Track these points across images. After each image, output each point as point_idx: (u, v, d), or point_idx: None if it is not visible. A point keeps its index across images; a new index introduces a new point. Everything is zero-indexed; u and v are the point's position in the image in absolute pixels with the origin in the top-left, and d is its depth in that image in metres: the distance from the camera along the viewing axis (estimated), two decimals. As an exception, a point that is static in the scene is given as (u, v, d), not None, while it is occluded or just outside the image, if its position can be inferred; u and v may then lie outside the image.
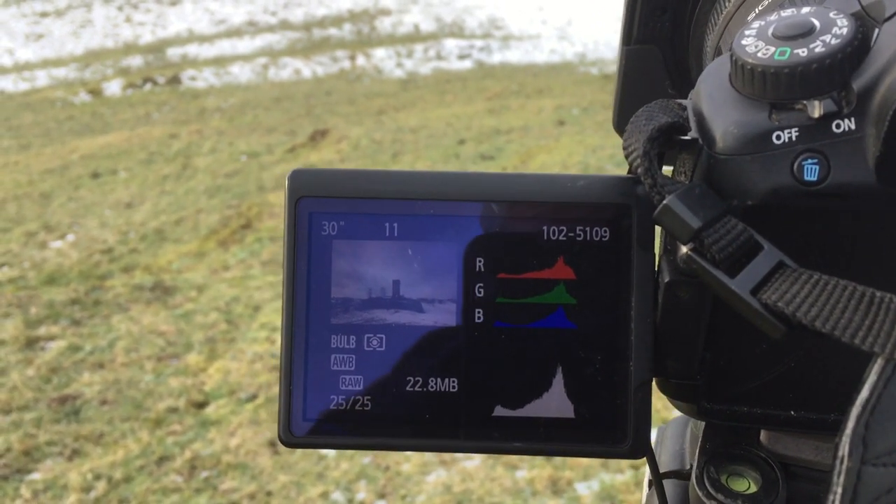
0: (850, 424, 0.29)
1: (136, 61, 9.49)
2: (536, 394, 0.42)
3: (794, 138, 0.35)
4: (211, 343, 3.18)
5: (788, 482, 0.45)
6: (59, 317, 3.43)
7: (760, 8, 0.49)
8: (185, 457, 2.52)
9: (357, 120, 6.54)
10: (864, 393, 0.29)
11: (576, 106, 6.58)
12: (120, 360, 3.08)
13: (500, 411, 0.42)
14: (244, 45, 9.98)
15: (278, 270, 3.77)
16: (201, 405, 2.80)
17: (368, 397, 0.42)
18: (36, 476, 2.47)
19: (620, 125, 0.66)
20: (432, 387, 0.42)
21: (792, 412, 0.43)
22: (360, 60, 9.13)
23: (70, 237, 4.33)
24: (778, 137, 0.35)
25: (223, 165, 5.50)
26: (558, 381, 0.42)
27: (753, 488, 0.45)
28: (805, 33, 0.36)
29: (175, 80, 8.43)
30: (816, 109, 0.34)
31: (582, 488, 2.30)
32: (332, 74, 8.69)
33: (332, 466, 2.44)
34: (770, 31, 0.37)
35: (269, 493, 2.36)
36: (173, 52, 9.78)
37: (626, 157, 0.39)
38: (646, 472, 0.60)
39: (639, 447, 0.42)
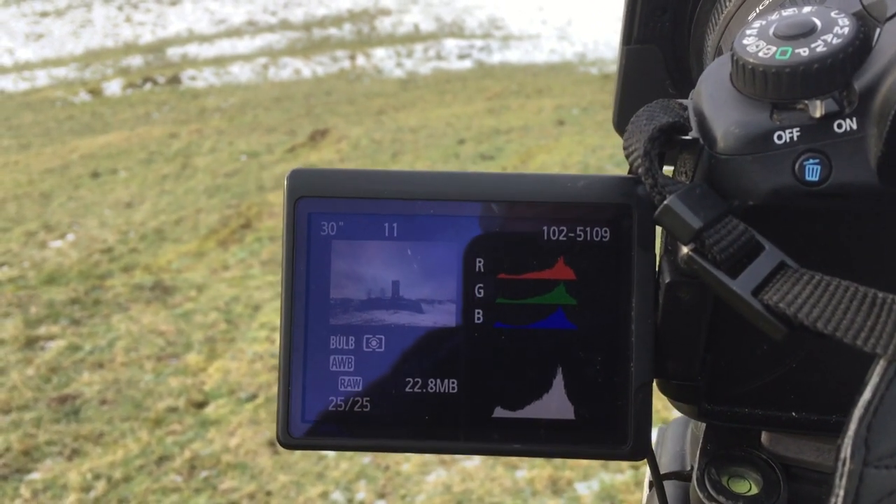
0: (853, 426, 0.29)
1: (136, 61, 9.49)
2: (536, 395, 0.42)
3: (795, 138, 0.34)
4: (210, 343, 3.18)
5: (790, 484, 0.45)
6: (58, 316, 3.43)
7: (761, 7, 0.49)
8: (185, 456, 2.52)
9: (357, 120, 6.54)
10: (867, 395, 0.29)
11: (576, 106, 6.58)
12: (119, 359, 3.08)
13: (499, 412, 0.42)
14: (244, 44, 9.98)
15: (278, 270, 3.77)
16: (201, 405, 2.80)
17: (367, 398, 0.42)
18: (35, 476, 2.47)
19: (620, 125, 0.65)
20: (432, 388, 0.42)
21: (793, 413, 0.42)
22: (360, 60, 9.13)
23: (70, 237, 4.33)
24: (779, 137, 0.35)
25: (223, 165, 5.50)
26: (558, 383, 0.42)
27: (754, 490, 0.45)
28: (806, 33, 0.35)
29: (175, 80, 8.43)
30: (818, 109, 0.34)
31: (582, 488, 2.30)
32: (332, 74, 8.69)
33: (331, 466, 2.44)
34: (771, 30, 0.36)
35: (268, 493, 2.36)
36: (173, 52, 9.77)
37: (627, 156, 0.39)
38: (646, 472, 0.60)
39: (639, 449, 0.42)
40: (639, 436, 0.41)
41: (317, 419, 0.42)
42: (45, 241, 4.29)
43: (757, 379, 0.42)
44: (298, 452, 2.43)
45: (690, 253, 0.36)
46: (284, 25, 10.87)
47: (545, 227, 0.42)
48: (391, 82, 8.24)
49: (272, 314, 3.36)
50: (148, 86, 8.30)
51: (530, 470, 2.36)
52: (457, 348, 0.42)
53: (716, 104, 0.37)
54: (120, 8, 11.55)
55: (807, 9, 0.37)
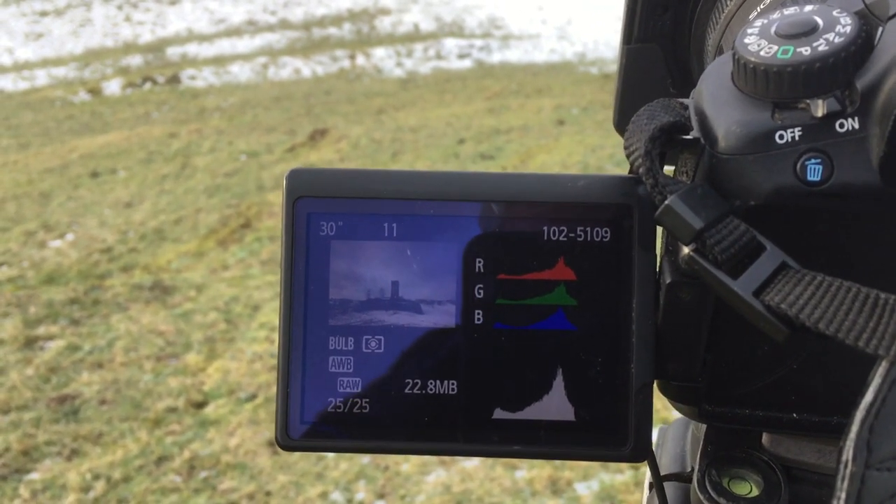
0: (854, 428, 0.29)
1: (135, 60, 9.48)
2: (536, 396, 0.41)
3: (797, 138, 0.34)
4: (210, 343, 3.17)
5: (791, 485, 0.45)
6: (58, 316, 3.42)
7: (762, 6, 0.49)
8: (184, 457, 2.52)
9: (357, 119, 6.54)
10: (869, 396, 0.29)
11: (575, 105, 6.58)
12: (119, 359, 3.08)
13: (499, 414, 0.42)
14: (244, 44, 9.97)
15: (277, 270, 3.76)
16: (200, 405, 2.80)
17: (367, 400, 0.42)
18: (35, 476, 2.47)
19: (621, 124, 0.65)
20: (431, 389, 0.42)
21: (794, 415, 0.42)
22: (360, 60, 9.12)
23: (69, 236, 4.33)
24: (781, 137, 0.34)
25: (222, 165, 5.49)
26: (559, 384, 0.41)
27: (755, 491, 0.44)
28: (808, 32, 0.35)
29: (174, 80, 8.42)
30: (820, 109, 0.34)
31: (581, 488, 2.30)
32: (332, 74, 8.69)
33: (331, 466, 2.43)
34: (773, 29, 0.36)
35: (268, 493, 2.35)
36: (173, 52, 9.77)
37: (628, 156, 0.38)
38: (646, 473, 0.59)
39: (640, 450, 0.41)
40: (639, 437, 0.41)
41: (316, 420, 0.42)
42: (45, 240, 4.29)
43: (758, 380, 0.42)
44: (298, 453, 2.43)
45: (691, 253, 0.35)
46: (284, 25, 10.87)
47: (545, 228, 0.41)
48: (391, 82, 8.23)
49: (272, 314, 3.35)
50: (147, 85, 8.30)
51: (530, 470, 2.36)
52: (456, 349, 0.42)
53: (717, 103, 0.37)
54: (119, 7, 11.55)
55: (808, 7, 0.37)
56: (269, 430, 2.61)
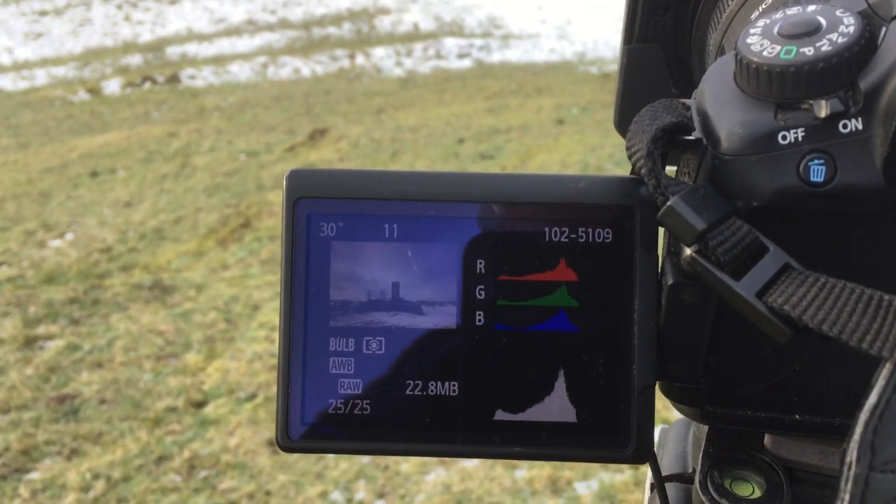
0: (858, 430, 0.28)
1: (135, 60, 9.48)
2: (538, 398, 0.41)
3: (800, 138, 0.34)
4: (210, 342, 3.17)
5: (793, 487, 0.45)
6: (57, 316, 3.42)
7: (764, 6, 0.48)
8: (184, 456, 2.51)
9: (356, 119, 6.54)
10: (873, 398, 0.29)
11: (575, 105, 6.58)
12: (119, 359, 3.07)
13: (501, 415, 0.42)
14: (243, 43, 9.97)
15: (277, 270, 3.76)
16: (200, 404, 2.80)
17: (367, 401, 0.42)
18: (34, 475, 2.47)
19: (622, 124, 0.65)
20: (432, 390, 0.42)
21: (796, 416, 0.42)
22: (360, 59, 9.12)
23: (69, 236, 4.33)
24: (784, 137, 0.34)
25: (222, 164, 5.49)
26: (560, 385, 0.41)
27: (757, 493, 0.44)
28: (811, 32, 0.35)
29: (174, 79, 8.42)
30: (823, 109, 0.34)
31: (581, 488, 2.30)
32: (332, 73, 8.68)
33: (331, 466, 2.43)
34: (776, 29, 0.36)
35: (267, 493, 2.35)
36: (172, 51, 9.77)
37: (630, 157, 0.38)
38: (647, 474, 0.59)
39: (642, 452, 0.41)
40: (641, 439, 0.41)
41: (316, 422, 0.42)
42: (44, 240, 4.29)
43: (760, 381, 0.42)
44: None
45: (694, 255, 0.35)
46: (284, 24, 10.86)
47: (547, 229, 0.41)
48: (390, 81, 8.23)
49: (271, 314, 3.35)
50: (147, 85, 8.29)
51: (529, 470, 2.36)
52: (457, 350, 0.41)
53: (719, 104, 0.36)
54: (119, 7, 11.54)
55: (811, 7, 0.37)
56: (268, 430, 2.61)
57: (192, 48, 9.85)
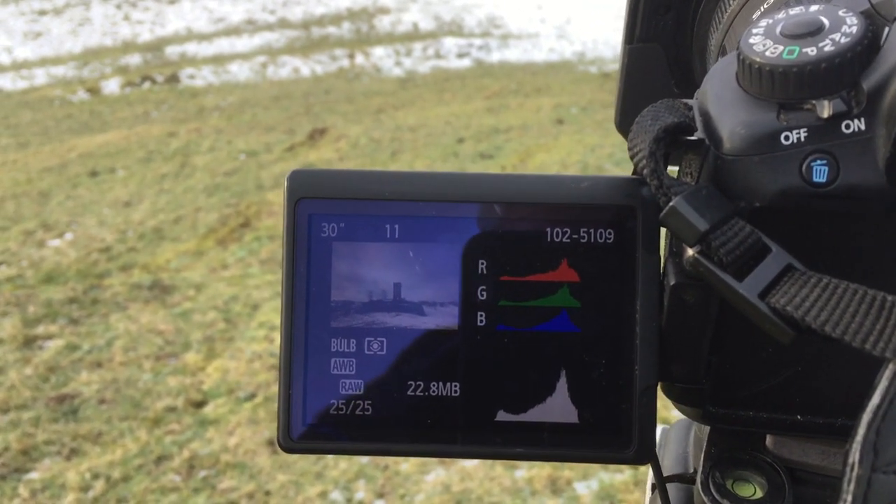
0: (861, 431, 0.28)
1: (134, 60, 9.47)
2: (540, 398, 0.41)
3: (802, 139, 0.34)
4: (209, 342, 3.17)
5: (794, 487, 0.45)
6: (57, 316, 3.42)
7: (766, 6, 0.48)
8: (184, 456, 2.51)
9: (356, 118, 6.53)
10: (876, 399, 0.29)
11: (574, 105, 6.58)
12: (118, 359, 3.07)
13: (502, 416, 0.41)
14: (243, 43, 9.97)
15: (277, 269, 3.76)
16: (200, 404, 2.80)
17: (369, 402, 0.42)
18: (34, 475, 2.47)
19: (623, 125, 0.65)
20: (434, 391, 0.41)
21: (798, 416, 0.42)
22: (359, 59, 9.12)
23: (68, 236, 4.33)
24: (786, 138, 0.34)
25: (222, 164, 5.49)
26: (562, 386, 0.41)
27: (759, 494, 0.44)
28: (814, 32, 0.35)
29: (174, 79, 8.42)
30: (825, 109, 0.34)
31: (581, 488, 2.30)
32: (331, 73, 8.68)
33: (330, 466, 2.43)
34: (778, 29, 0.36)
35: (267, 493, 2.35)
36: (172, 51, 9.76)
37: (632, 157, 0.38)
38: (648, 474, 0.59)
39: (644, 452, 0.41)
40: (643, 439, 0.41)
41: (318, 422, 0.42)
42: (44, 239, 4.28)
43: (762, 382, 0.42)
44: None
45: (696, 255, 0.35)
46: (283, 24, 10.86)
47: (548, 229, 0.41)
48: (390, 81, 8.23)
49: (271, 313, 3.35)
50: (146, 84, 8.29)
51: (529, 469, 2.36)
52: (459, 351, 0.41)
53: (722, 104, 0.36)
54: (118, 6, 11.54)
55: (814, 7, 0.37)
56: (268, 430, 2.60)
57: (191, 48, 9.84)
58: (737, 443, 0.46)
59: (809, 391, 0.41)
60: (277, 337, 3.06)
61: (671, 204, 0.35)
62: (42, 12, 11.30)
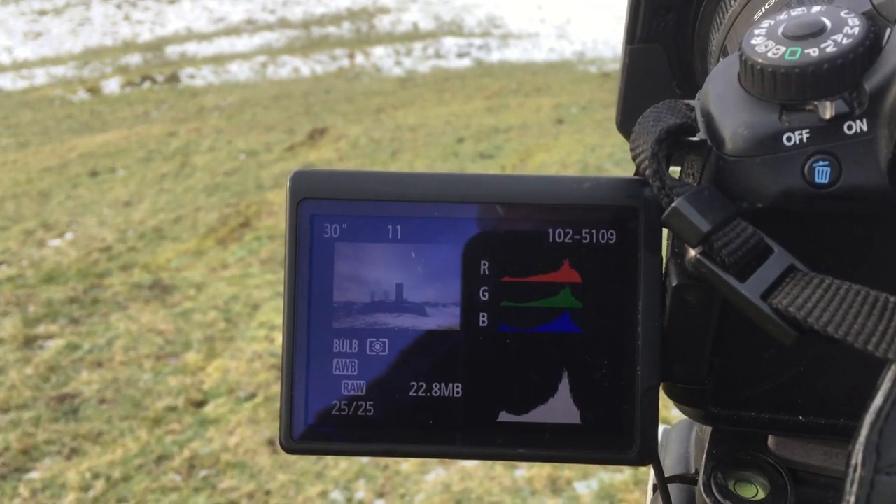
0: (864, 432, 0.28)
1: (134, 59, 9.47)
2: (542, 399, 0.41)
3: (804, 140, 0.34)
4: (210, 342, 3.17)
5: (797, 488, 0.45)
6: (57, 315, 3.42)
7: (767, 7, 0.48)
8: (184, 456, 2.51)
9: (356, 118, 6.53)
10: (878, 400, 0.29)
11: (574, 104, 6.57)
12: (118, 358, 3.07)
13: (504, 417, 0.41)
14: (243, 43, 9.97)
15: (277, 269, 3.77)
16: (200, 404, 2.80)
17: (371, 402, 0.42)
18: (34, 475, 2.47)
19: (624, 125, 0.65)
20: (436, 392, 0.41)
21: (800, 417, 0.42)
22: (359, 59, 9.12)
23: (68, 235, 4.33)
24: (788, 139, 0.34)
25: (222, 164, 5.49)
26: (564, 386, 0.41)
27: (761, 494, 0.44)
28: (816, 33, 0.35)
29: (174, 79, 8.42)
30: (828, 110, 0.34)
31: (581, 487, 2.30)
32: (331, 73, 8.68)
33: (331, 466, 2.43)
34: (780, 30, 0.36)
35: (267, 493, 2.35)
36: (172, 51, 9.76)
37: (634, 158, 0.38)
38: (648, 474, 0.59)
39: (646, 453, 0.41)
40: (645, 440, 0.41)
41: (319, 423, 0.42)
42: (44, 239, 4.28)
43: (764, 382, 0.42)
44: (298, 452, 2.42)
45: (698, 256, 0.35)
46: (283, 24, 10.86)
47: (550, 230, 0.41)
48: (390, 81, 8.23)
49: (271, 313, 3.35)
50: (146, 84, 8.29)
51: (529, 469, 2.36)
52: (461, 352, 0.41)
53: (724, 105, 0.36)
54: (118, 6, 11.53)
55: (816, 8, 0.36)
56: (268, 429, 2.60)
57: (191, 48, 9.84)
58: (739, 443, 0.46)
59: (811, 392, 0.41)
60: (278, 337, 3.07)
61: (673, 205, 0.35)
62: (42, 12, 11.30)
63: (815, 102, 0.34)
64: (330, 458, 2.45)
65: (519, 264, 0.41)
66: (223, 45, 9.90)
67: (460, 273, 0.41)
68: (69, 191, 5.05)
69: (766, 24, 0.37)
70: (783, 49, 0.35)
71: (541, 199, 0.41)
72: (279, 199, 4.60)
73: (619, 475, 2.33)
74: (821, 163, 0.34)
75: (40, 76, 8.87)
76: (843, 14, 0.35)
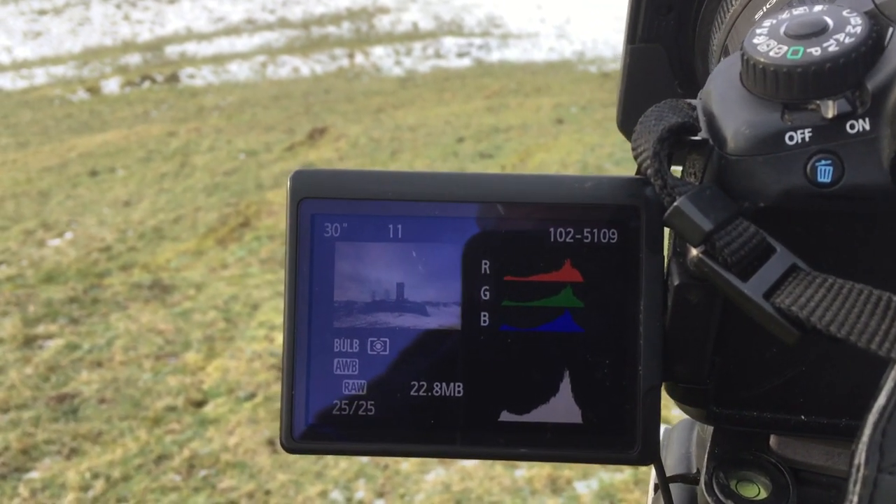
0: (867, 432, 0.28)
1: (134, 59, 9.47)
2: (543, 399, 0.41)
3: (807, 139, 0.34)
4: (209, 341, 3.17)
5: (799, 488, 0.45)
6: (57, 315, 3.42)
7: (768, 6, 0.48)
8: (184, 455, 2.51)
9: (355, 118, 6.53)
10: (881, 400, 0.29)
11: (574, 104, 6.58)
12: (118, 358, 3.07)
13: (506, 416, 0.41)
14: (242, 43, 9.97)
15: (277, 268, 3.77)
16: (200, 404, 2.79)
17: (372, 402, 0.42)
18: (34, 475, 2.47)
19: (625, 125, 0.65)
20: (437, 391, 0.41)
21: (802, 417, 0.42)
22: (359, 58, 9.12)
23: (68, 235, 4.32)
24: (791, 138, 0.34)
25: (221, 164, 5.49)
26: (565, 386, 0.41)
27: (763, 494, 0.44)
28: (818, 32, 0.35)
29: (173, 78, 8.42)
30: (830, 110, 0.34)
31: (581, 487, 2.30)
32: (331, 72, 8.68)
33: (331, 465, 2.43)
34: (782, 29, 0.36)
35: (267, 492, 2.35)
36: (172, 50, 9.76)
37: (636, 157, 0.38)
38: (649, 474, 0.59)
39: (648, 453, 0.41)
40: (647, 440, 0.41)
41: (320, 423, 0.42)
42: (44, 239, 4.28)
43: (766, 382, 0.42)
44: (298, 452, 2.42)
45: (700, 255, 0.35)
46: (283, 24, 10.86)
47: (552, 229, 0.41)
48: (390, 80, 8.23)
49: (271, 313, 3.35)
50: (146, 84, 8.29)
51: (529, 469, 2.36)
52: (462, 351, 0.41)
53: (726, 104, 0.36)
54: (118, 6, 11.53)
55: (818, 7, 0.36)
56: (268, 429, 2.60)
57: (191, 47, 9.85)
58: (741, 443, 0.46)
59: (814, 391, 0.41)
60: (277, 336, 3.06)
61: (675, 204, 0.35)
62: (42, 12, 11.30)
63: (818, 102, 0.34)
64: (330, 458, 2.45)
65: (520, 263, 0.41)
66: (223, 44, 9.91)
67: (461, 272, 0.41)
68: (69, 190, 5.05)
69: (767, 23, 0.37)
70: (785, 48, 0.35)
71: (542, 198, 0.41)
72: (279, 198, 4.60)
73: (620, 475, 2.33)
74: (823, 162, 0.34)
75: (40, 76, 8.87)
76: (845, 13, 0.35)
